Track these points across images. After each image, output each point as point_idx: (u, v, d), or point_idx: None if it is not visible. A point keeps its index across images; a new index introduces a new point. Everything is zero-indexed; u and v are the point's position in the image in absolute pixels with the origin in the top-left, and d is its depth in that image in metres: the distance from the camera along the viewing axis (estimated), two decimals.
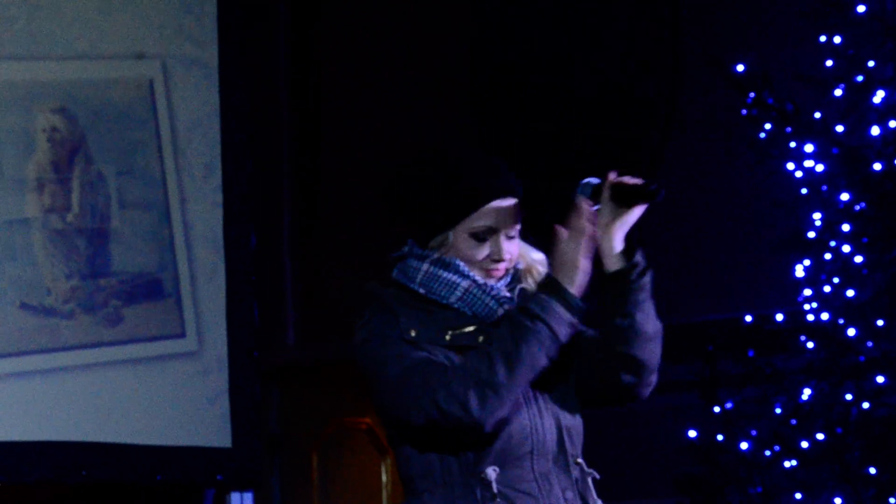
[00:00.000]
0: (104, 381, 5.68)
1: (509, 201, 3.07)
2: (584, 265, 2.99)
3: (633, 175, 3.05)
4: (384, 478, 7.43)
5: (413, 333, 3.01)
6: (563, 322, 2.97)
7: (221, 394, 5.88)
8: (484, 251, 3.06)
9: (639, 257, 3.03)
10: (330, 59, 7.49)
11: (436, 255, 3.07)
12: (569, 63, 6.95)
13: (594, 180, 3.07)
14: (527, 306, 2.98)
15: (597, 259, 3.05)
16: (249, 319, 5.99)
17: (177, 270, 5.85)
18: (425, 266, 3.07)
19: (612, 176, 3.03)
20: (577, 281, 2.99)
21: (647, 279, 3.02)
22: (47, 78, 5.67)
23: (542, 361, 2.97)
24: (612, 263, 3.03)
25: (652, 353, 3.05)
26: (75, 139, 5.71)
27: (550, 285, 2.99)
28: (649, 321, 3.03)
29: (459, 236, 3.06)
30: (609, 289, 3.03)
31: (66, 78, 5.70)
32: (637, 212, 3.02)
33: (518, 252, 3.12)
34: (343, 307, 7.68)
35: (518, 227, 3.09)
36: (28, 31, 5.61)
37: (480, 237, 3.06)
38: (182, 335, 5.86)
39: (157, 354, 5.80)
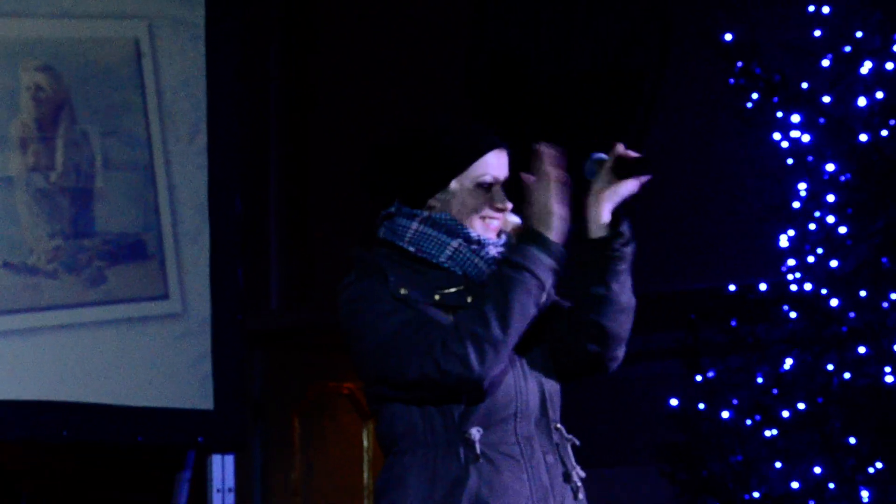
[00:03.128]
0: (87, 341, 5.67)
1: (503, 153, 3.11)
2: (558, 210, 3.00)
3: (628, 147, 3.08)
4: (366, 442, 7.44)
5: (403, 291, 3.02)
6: (544, 267, 2.98)
7: (204, 356, 5.86)
8: (488, 199, 3.08)
9: (625, 228, 3.04)
10: (322, 22, 7.47)
11: (426, 214, 3.08)
12: (560, 35, 6.94)
13: (602, 155, 3.09)
14: (509, 258, 3.00)
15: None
16: (234, 282, 5.97)
17: (161, 232, 5.82)
18: (415, 224, 3.08)
19: (619, 147, 3.05)
20: (553, 225, 3.00)
21: (628, 250, 3.04)
22: (32, 36, 5.63)
23: (532, 310, 2.98)
24: (597, 231, 3.04)
25: (622, 325, 3.06)
26: (60, 98, 5.68)
27: (528, 233, 3.01)
28: (624, 293, 3.05)
29: (465, 187, 3.08)
30: (589, 256, 3.04)
31: (51, 36, 5.67)
32: (630, 185, 3.03)
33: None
34: (328, 272, 7.69)
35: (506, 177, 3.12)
36: None
37: (486, 185, 3.07)
38: (165, 297, 5.84)
39: (140, 315, 5.78)
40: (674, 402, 6.22)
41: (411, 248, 3.06)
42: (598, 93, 6.92)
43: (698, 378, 6.19)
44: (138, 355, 5.75)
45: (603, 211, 3.03)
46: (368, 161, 3.17)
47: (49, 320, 5.62)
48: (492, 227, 3.09)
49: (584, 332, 3.06)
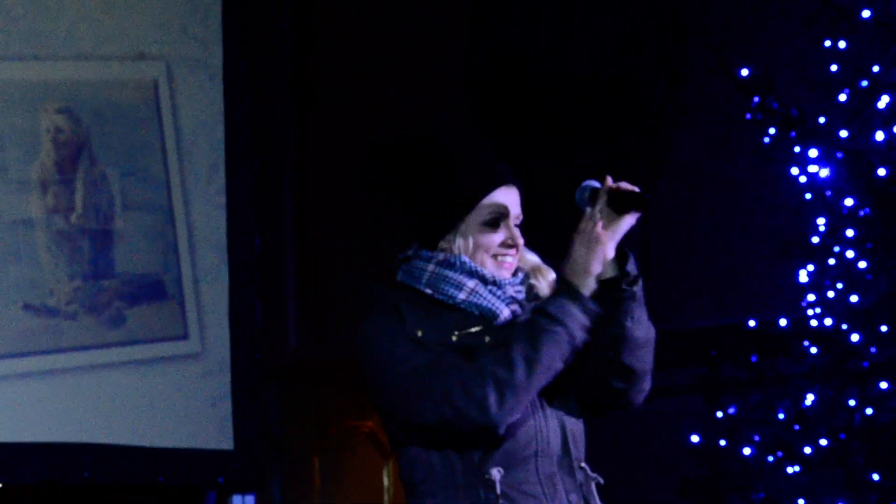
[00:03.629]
0: (107, 382, 5.67)
1: (512, 189, 3.07)
2: (595, 270, 2.99)
3: (631, 181, 3.05)
4: (386, 481, 7.42)
5: (420, 333, 3.00)
6: (579, 325, 2.97)
7: (224, 396, 5.87)
8: (498, 238, 3.06)
9: (630, 266, 3.02)
10: (332, 61, 7.48)
11: (441, 256, 3.07)
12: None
13: (595, 183, 3.07)
14: (545, 308, 2.98)
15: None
16: (252, 321, 5.98)
17: (180, 272, 5.84)
18: (431, 266, 3.07)
19: (609, 181, 3.03)
20: (590, 285, 2.99)
21: (638, 287, 3.02)
22: (51, 78, 5.66)
23: (559, 364, 2.97)
24: (604, 272, 3.02)
25: (642, 359, 3.04)
26: (79, 140, 5.70)
27: (567, 289, 2.99)
28: (639, 328, 3.03)
29: (472, 228, 3.06)
30: (600, 297, 3.02)
31: (69, 78, 5.69)
32: (630, 220, 3.02)
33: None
34: (345, 309, 7.67)
35: (520, 216, 3.10)
36: (32, 30, 5.60)
37: (494, 224, 3.05)
38: (185, 337, 5.85)
39: (159, 356, 5.79)
40: (695, 438, 6.20)
41: (428, 291, 3.05)
42: (614, 124, 6.91)
43: (719, 414, 6.17)
44: (158, 396, 5.75)
45: (607, 249, 3.02)
46: (381, 204, 3.16)
47: (69, 362, 5.64)
48: (505, 266, 3.07)
49: (608, 371, 3.05)
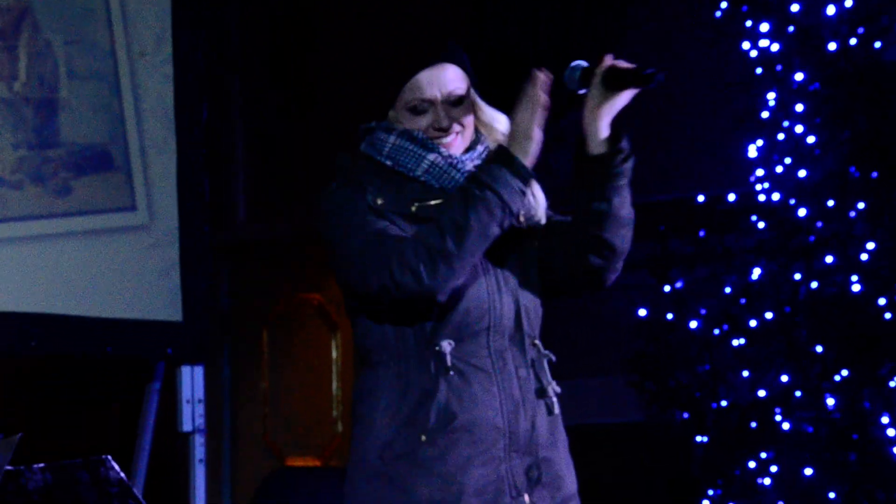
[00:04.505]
0: (54, 252, 5.64)
1: (442, 68, 3.05)
2: (537, 136, 2.98)
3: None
4: (334, 353, 7.46)
5: (380, 202, 3.02)
6: (512, 190, 2.96)
7: (172, 268, 5.85)
8: (424, 122, 3.06)
9: (625, 143, 3.01)
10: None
11: (402, 128, 3.06)
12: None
13: (583, 63, 3.05)
14: (476, 175, 2.98)
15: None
16: (200, 194, 5.95)
17: (127, 143, 5.78)
18: (392, 138, 3.07)
19: (608, 59, 3.01)
20: (530, 150, 2.98)
21: (629, 165, 3.02)
22: None
23: (494, 230, 2.97)
24: (597, 147, 3.01)
25: (624, 238, 3.06)
26: (21, 6, 5.60)
27: (501, 154, 2.99)
28: (625, 206, 3.04)
29: (401, 114, 3.07)
30: (590, 172, 3.02)
31: None
32: (626, 97, 3.00)
33: (472, 120, 3.10)
34: (293, 184, 7.66)
35: (462, 91, 3.07)
36: None
37: (417, 109, 3.06)
38: (132, 208, 5.81)
39: (107, 227, 5.75)
40: (642, 312, 6.24)
41: (389, 162, 3.06)
42: None
43: (667, 288, 6.21)
44: (106, 267, 5.73)
45: (601, 126, 3.01)
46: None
47: (15, 232, 5.59)
48: (447, 145, 3.06)
49: (588, 248, 3.05)
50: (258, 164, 7.53)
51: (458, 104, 3.07)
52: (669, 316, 6.20)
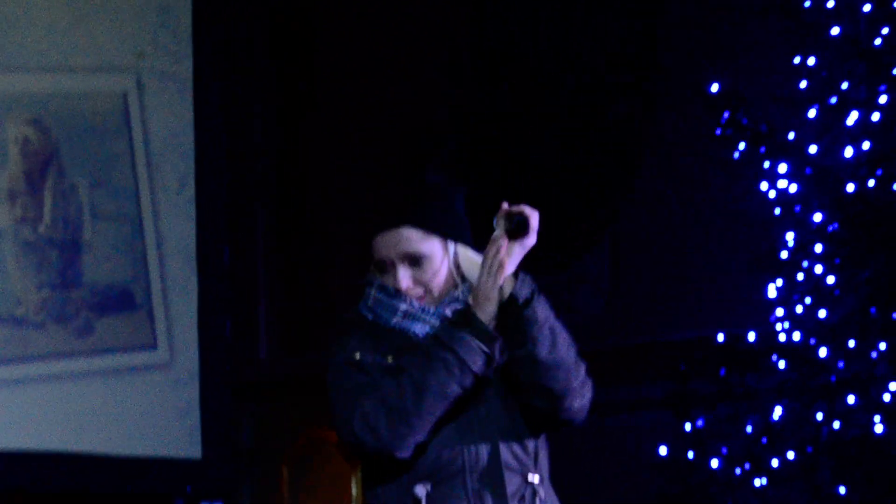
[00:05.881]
0: (75, 391, 5.68)
1: (397, 231, 3.10)
2: (496, 297, 3.02)
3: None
4: (354, 491, 7.42)
5: (357, 356, 3.08)
6: (474, 351, 2.98)
7: (192, 406, 5.88)
8: (389, 280, 3.13)
9: (519, 289, 3.02)
10: (308, 74, 7.47)
11: (380, 282, 3.13)
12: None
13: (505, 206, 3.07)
14: (437, 335, 3.03)
15: None
16: (221, 333, 6.00)
17: (149, 282, 5.84)
18: (373, 292, 3.16)
19: (504, 206, 3.05)
20: (490, 311, 3.01)
21: (534, 309, 3.01)
22: (20, 90, 5.66)
23: (453, 389, 2.99)
24: (505, 293, 3.04)
25: (558, 380, 3.04)
26: (48, 151, 5.71)
27: (462, 315, 3.02)
28: (546, 349, 3.03)
29: (374, 268, 3.16)
30: (503, 320, 3.04)
31: (39, 90, 5.70)
32: (528, 241, 3.03)
33: (441, 273, 3.12)
34: (315, 323, 7.68)
35: (420, 251, 3.10)
36: (1, 42, 5.60)
37: (381, 268, 3.13)
38: (154, 347, 5.86)
39: (128, 366, 5.80)
40: (663, 451, 6.21)
41: (370, 316, 3.12)
42: (586, 139, 6.92)
43: (687, 427, 6.18)
44: (126, 405, 5.76)
45: (505, 273, 3.02)
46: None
47: (37, 371, 5.64)
48: (424, 301, 3.10)
49: (526, 391, 3.07)
50: (280, 303, 7.56)
51: (416, 264, 3.11)
52: (690, 455, 6.16)
